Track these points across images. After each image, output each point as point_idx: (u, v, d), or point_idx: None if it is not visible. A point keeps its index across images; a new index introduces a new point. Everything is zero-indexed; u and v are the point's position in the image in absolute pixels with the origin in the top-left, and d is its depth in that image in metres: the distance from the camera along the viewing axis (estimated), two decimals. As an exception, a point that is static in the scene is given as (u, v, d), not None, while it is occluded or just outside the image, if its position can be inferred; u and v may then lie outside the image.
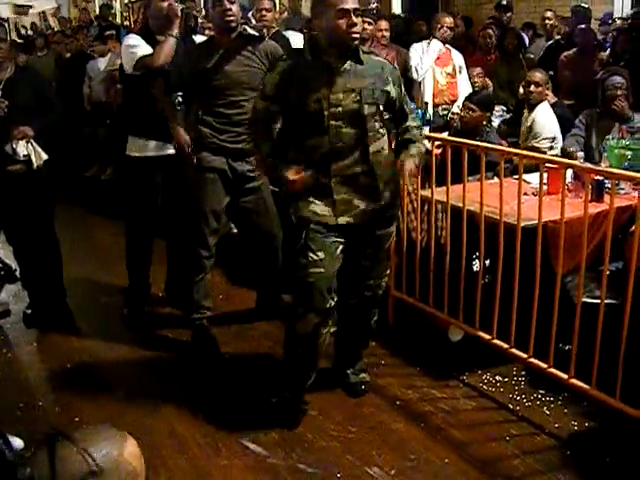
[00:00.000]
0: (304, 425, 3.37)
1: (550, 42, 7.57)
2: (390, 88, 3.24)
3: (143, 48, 4.08)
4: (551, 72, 6.59)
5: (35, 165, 4.20)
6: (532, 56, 7.35)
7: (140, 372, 3.97)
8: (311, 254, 3.15)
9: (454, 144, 3.88)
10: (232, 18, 3.72)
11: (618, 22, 7.93)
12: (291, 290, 3.28)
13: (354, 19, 3.03)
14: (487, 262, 4.00)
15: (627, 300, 3.04)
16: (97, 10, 13.78)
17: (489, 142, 4.28)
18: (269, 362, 3.91)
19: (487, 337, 3.73)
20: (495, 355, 3.75)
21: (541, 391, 3.59)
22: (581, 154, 4.50)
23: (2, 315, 4.74)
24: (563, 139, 4.96)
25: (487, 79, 6.53)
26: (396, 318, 4.34)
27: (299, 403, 3.42)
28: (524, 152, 3.87)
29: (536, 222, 3.38)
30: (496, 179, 3.84)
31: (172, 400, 3.62)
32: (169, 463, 3.08)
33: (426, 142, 4.30)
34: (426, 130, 5.54)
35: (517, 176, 3.51)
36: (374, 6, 9.12)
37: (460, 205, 3.74)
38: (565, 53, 6.77)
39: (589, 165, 4.00)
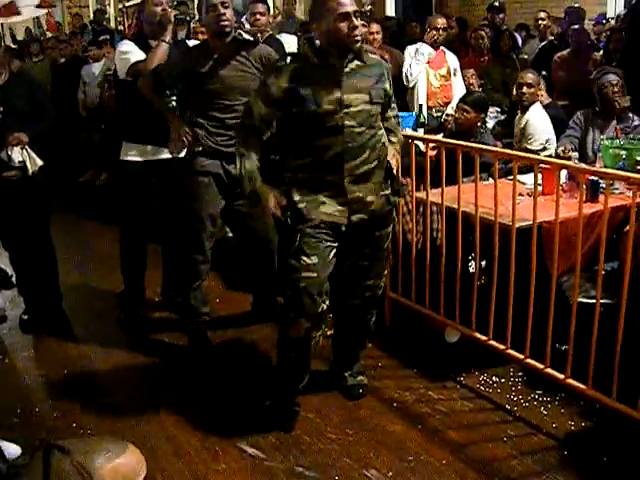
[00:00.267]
0: (301, 428, 3.37)
1: (544, 43, 7.59)
2: (387, 85, 3.28)
3: (136, 54, 4.09)
4: (544, 72, 6.62)
5: (30, 171, 4.19)
6: (526, 57, 7.37)
7: (137, 377, 3.96)
8: (304, 258, 3.14)
9: (448, 146, 3.89)
10: (226, 23, 3.72)
11: (612, 22, 7.97)
12: (283, 293, 3.27)
13: (355, 22, 3.04)
14: (483, 263, 4.01)
15: (622, 300, 3.05)
16: (91, 15, 13.78)
17: (484, 143, 4.29)
18: (265, 365, 3.91)
19: (483, 338, 3.73)
20: (492, 356, 3.75)
21: (538, 391, 3.59)
22: (575, 154, 4.51)
23: (-2, 321, 4.75)
24: (557, 140, 4.97)
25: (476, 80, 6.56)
26: (392, 320, 4.35)
27: (292, 406, 3.43)
28: (518, 153, 3.88)
29: (531, 223, 3.39)
30: (491, 180, 3.85)
31: (169, 404, 3.61)
32: (166, 467, 3.08)
33: (420, 144, 4.33)
34: (420, 132, 5.55)
35: (512, 177, 3.52)
36: (367, 8, 9.12)
37: (455, 206, 3.75)
38: (559, 54, 6.80)
39: (583, 165, 4.01)
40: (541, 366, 3.45)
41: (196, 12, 9.36)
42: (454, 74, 6.15)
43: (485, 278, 4.03)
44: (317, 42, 3.16)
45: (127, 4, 12.62)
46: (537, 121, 5.07)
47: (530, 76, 5.20)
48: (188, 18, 5.33)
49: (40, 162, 4.25)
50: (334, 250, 3.22)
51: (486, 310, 3.63)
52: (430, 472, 3.03)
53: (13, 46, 11.94)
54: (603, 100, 4.74)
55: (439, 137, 4.83)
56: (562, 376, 3.36)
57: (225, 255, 4.92)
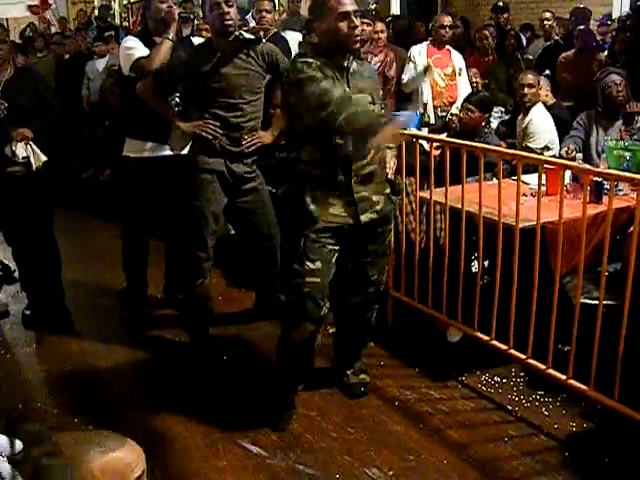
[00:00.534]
0: (303, 426, 3.37)
1: (548, 42, 7.58)
2: (379, 87, 3.31)
3: (140, 50, 4.09)
4: (548, 72, 6.61)
5: (34, 167, 4.20)
6: (531, 57, 7.35)
7: (138, 373, 3.97)
8: (308, 263, 3.15)
9: (453, 145, 3.89)
10: (230, 22, 3.71)
11: (616, 23, 7.96)
12: (286, 296, 3.28)
13: (355, 21, 3.04)
14: (486, 263, 4.01)
15: (625, 301, 3.04)
16: (96, 11, 13.76)
17: (488, 143, 4.29)
18: (268, 362, 3.90)
19: (486, 338, 3.73)
20: (494, 356, 3.75)
21: (540, 392, 3.59)
22: (580, 155, 4.51)
23: (1, 316, 4.75)
24: (561, 141, 4.97)
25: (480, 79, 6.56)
26: (395, 319, 4.34)
27: (289, 407, 3.42)
28: (522, 153, 3.87)
29: (535, 223, 3.38)
30: (495, 180, 3.84)
31: (170, 401, 3.62)
32: (167, 464, 3.08)
33: (425, 143, 4.33)
34: (424, 132, 5.55)
35: (516, 177, 3.51)
36: (372, 7, 9.11)
37: (459, 206, 3.74)
38: (564, 54, 6.78)
39: (587, 166, 4.00)
40: (543, 367, 3.45)
41: (199, 10, 9.35)
42: (459, 74, 6.13)
43: (488, 278, 4.03)
44: (316, 40, 3.16)
45: (132, 0, 12.61)
46: (540, 121, 5.07)
47: (530, 77, 5.20)
48: (192, 16, 5.30)
49: (44, 158, 4.25)
50: (336, 254, 3.23)
51: (488, 310, 3.63)
52: (431, 471, 3.03)
53: (18, 41, 11.93)
54: (606, 100, 4.74)
55: (443, 137, 4.83)
56: (564, 377, 3.35)
57: (227, 252, 4.92)
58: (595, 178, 3.70)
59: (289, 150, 3.33)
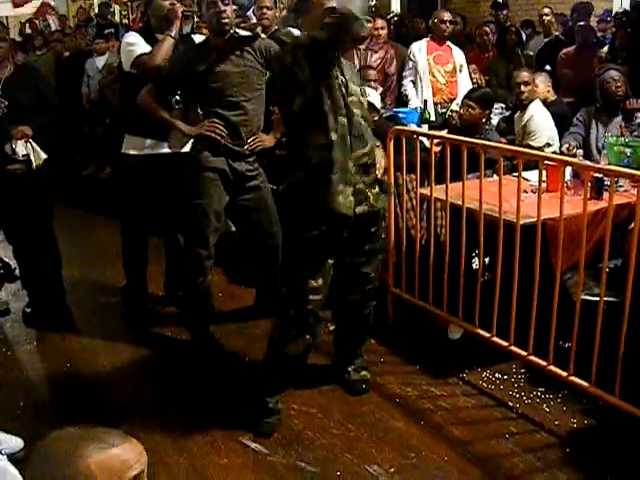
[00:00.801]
0: (304, 423, 3.37)
1: (549, 38, 7.57)
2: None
3: (141, 46, 4.08)
4: (549, 67, 6.60)
5: (34, 165, 4.19)
6: (531, 54, 7.35)
7: (139, 371, 3.97)
8: (312, 281, 3.14)
9: (453, 142, 3.88)
10: (226, 20, 3.71)
11: (613, 20, 7.94)
12: (285, 309, 3.23)
13: None
14: (486, 260, 4.00)
15: (626, 297, 3.04)
16: (96, 9, 13.76)
17: (489, 140, 4.28)
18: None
19: (486, 335, 3.73)
20: (495, 353, 3.75)
21: (540, 388, 3.59)
22: (580, 152, 4.50)
23: (1, 314, 4.75)
24: (561, 137, 4.96)
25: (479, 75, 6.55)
26: (395, 316, 4.34)
27: (274, 412, 3.37)
28: (523, 149, 3.87)
29: (535, 220, 3.38)
30: (495, 177, 3.84)
31: (171, 399, 3.62)
32: (168, 462, 3.08)
33: (425, 140, 4.33)
34: (425, 128, 5.55)
35: (516, 174, 3.51)
36: (372, 4, 9.10)
37: (459, 203, 3.74)
38: (564, 50, 6.77)
39: (588, 162, 4.00)
40: (544, 363, 3.45)
41: (196, 8, 9.34)
42: (460, 70, 6.13)
43: (489, 275, 4.03)
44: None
45: (132, -3, 12.62)
46: (539, 118, 5.06)
47: (525, 74, 5.20)
48: (191, 14, 5.30)
49: (44, 156, 4.24)
50: (333, 262, 3.21)
51: (489, 307, 3.63)
52: (432, 468, 3.03)
53: (19, 39, 11.92)
54: (605, 96, 4.73)
55: (443, 133, 4.82)
56: (565, 373, 3.35)
57: (228, 249, 4.92)
58: (596, 174, 3.70)
59: (290, 145, 3.31)
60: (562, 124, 5.07)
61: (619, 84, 4.69)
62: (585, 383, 3.26)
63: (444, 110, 5.98)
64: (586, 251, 3.24)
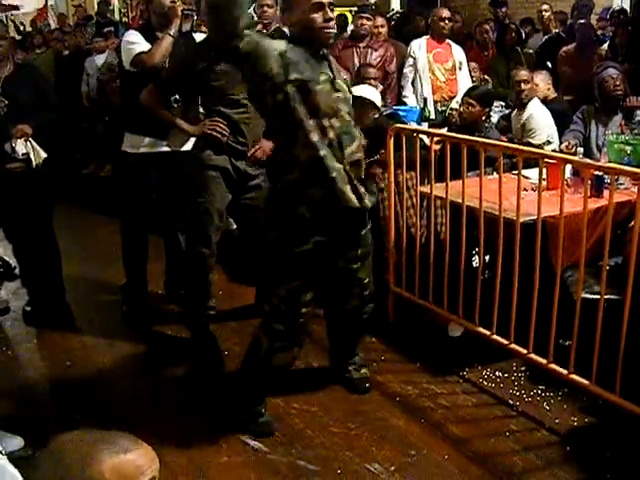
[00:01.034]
0: (304, 421, 3.37)
1: (549, 35, 7.56)
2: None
3: (142, 45, 4.08)
4: (549, 64, 6.60)
5: (34, 163, 4.19)
6: (531, 51, 7.34)
7: (139, 369, 3.97)
8: (305, 295, 3.11)
9: (453, 140, 3.88)
10: None
11: (610, 18, 7.95)
12: (272, 321, 3.19)
13: (329, 13, 2.93)
14: (487, 258, 4.00)
15: (627, 295, 3.04)
16: (95, 7, 13.75)
17: (489, 138, 4.28)
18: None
19: (487, 333, 3.72)
20: (495, 351, 3.75)
21: (541, 387, 3.59)
22: (580, 150, 4.50)
23: (1, 312, 4.74)
24: (562, 135, 4.96)
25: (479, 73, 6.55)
26: (396, 314, 4.34)
27: (261, 414, 3.34)
28: (523, 147, 3.86)
29: (535, 217, 3.38)
30: (495, 175, 3.84)
31: (171, 397, 3.62)
32: (168, 461, 3.07)
33: (425, 138, 4.32)
34: (424, 126, 5.54)
35: (516, 172, 3.51)
36: (372, 2, 9.10)
37: (459, 201, 3.74)
38: (564, 48, 6.77)
39: (588, 160, 3.99)
40: (544, 361, 3.45)
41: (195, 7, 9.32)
42: (460, 68, 6.12)
43: (489, 273, 4.02)
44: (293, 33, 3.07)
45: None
46: (538, 115, 5.06)
47: (524, 72, 5.21)
48: (191, 12, 5.30)
49: (44, 154, 4.24)
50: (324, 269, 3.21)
51: (490, 305, 3.63)
52: (432, 466, 3.03)
53: (18, 37, 11.91)
54: (603, 95, 4.71)
55: (443, 131, 4.82)
56: (565, 371, 3.35)
57: (229, 248, 4.91)
58: (596, 172, 3.69)
59: (275, 143, 3.22)
60: (562, 122, 5.06)
61: (617, 82, 4.67)
62: (585, 381, 3.26)
63: (444, 108, 5.96)
64: (586, 249, 3.24)
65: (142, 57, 4.03)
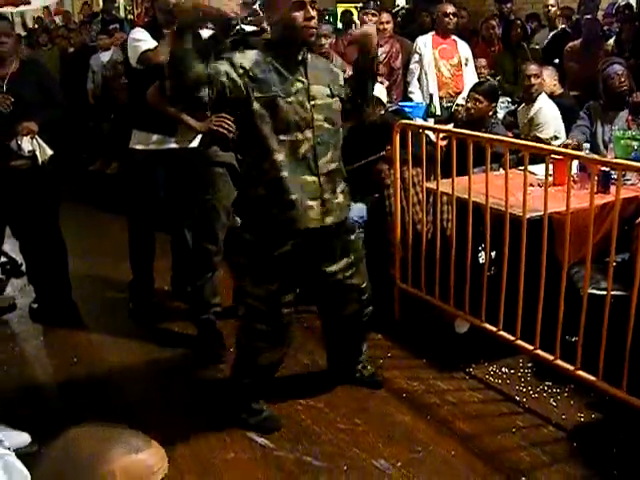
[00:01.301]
0: (310, 418, 3.37)
1: (555, 31, 7.54)
2: (342, 81, 3.21)
3: (148, 42, 4.09)
4: (557, 61, 6.58)
5: (40, 161, 4.20)
6: (537, 47, 7.33)
7: (146, 366, 3.97)
8: (287, 296, 3.11)
9: (459, 136, 3.87)
10: (232, 15, 3.70)
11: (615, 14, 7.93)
12: (256, 322, 3.17)
13: (311, 12, 2.89)
14: (493, 254, 4.00)
15: (634, 291, 3.03)
16: (100, 4, 13.76)
17: (495, 134, 4.27)
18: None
19: (493, 329, 3.72)
20: (501, 347, 3.74)
21: (547, 383, 3.59)
22: (587, 145, 4.49)
23: (8, 309, 4.75)
24: (568, 130, 4.95)
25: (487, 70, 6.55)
26: (402, 310, 4.34)
27: (261, 411, 3.35)
28: (529, 143, 3.85)
29: (542, 213, 3.37)
30: (501, 171, 3.83)
31: (178, 394, 3.63)
32: (175, 457, 3.08)
33: (431, 134, 4.31)
34: (430, 122, 5.53)
35: (522, 167, 3.50)
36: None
37: (465, 197, 3.73)
38: (570, 44, 6.75)
39: (595, 156, 3.98)
40: (551, 357, 3.44)
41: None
42: (466, 64, 6.11)
43: (495, 269, 4.02)
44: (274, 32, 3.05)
45: (137, -7, 12.61)
46: (547, 110, 5.06)
47: (534, 67, 5.19)
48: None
49: (50, 152, 4.25)
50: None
51: (496, 301, 3.62)
52: (438, 463, 3.03)
53: (24, 34, 11.93)
54: (609, 91, 4.70)
55: (449, 127, 4.81)
56: (572, 368, 3.35)
57: (234, 244, 4.90)
58: (603, 168, 3.68)
59: (244, 163, 3.18)
60: (570, 117, 5.05)
61: (623, 79, 4.66)
62: (592, 377, 3.26)
63: (449, 104, 5.96)
64: (593, 245, 3.23)
65: (149, 54, 4.03)
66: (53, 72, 6.97)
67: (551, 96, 5.28)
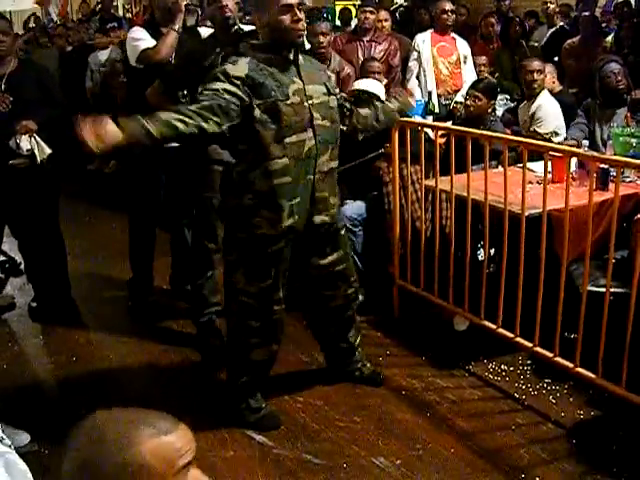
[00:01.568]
0: (309, 415, 3.37)
1: (554, 28, 7.54)
2: (332, 79, 3.24)
3: (147, 41, 4.09)
4: (556, 58, 6.57)
5: (39, 159, 4.19)
6: (536, 44, 7.32)
7: (145, 364, 3.97)
8: (277, 293, 3.14)
9: (458, 133, 3.87)
10: (229, 14, 3.70)
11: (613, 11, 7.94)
12: (249, 319, 3.18)
13: (298, 14, 2.92)
14: (492, 251, 4.00)
15: (632, 288, 3.03)
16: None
17: (494, 131, 4.26)
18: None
19: (492, 326, 3.72)
20: (500, 344, 3.75)
21: (547, 380, 3.59)
22: (586, 142, 4.48)
23: (7, 308, 4.75)
24: (568, 127, 4.94)
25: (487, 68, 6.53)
26: (401, 308, 4.34)
27: (260, 408, 3.35)
28: (528, 140, 3.85)
29: (541, 211, 3.37)
30: (500, 168, 3.83)
31: (177, 392, 3.62)
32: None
33: (430, 131, 4.31)
34: (429, 120, 5.52)
35: (521, 165, 3.50)
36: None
37: (464, 194, 3.73)
38: (568, 41, 6.74)
39: (594, 153, 3.98)
40: (550, 355, 3.44)
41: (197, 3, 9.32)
42: (464, 61, 6.09)
43: (494, 266, 4.02)
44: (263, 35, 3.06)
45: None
46: (548, 106, 5.04)
47: (536, 63, 5.17)
48: (194, 7, 5.30)
49: (49, 150, 4.24)
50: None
51: (495, 298, 3.62)
52: (438, 460, 3.03)
53: (22, 32, 11.92)
54: (605, 90, 4.69)
55: (448, 124, 4.81)
56: (571, 365, 3.35)
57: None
58: (601, 165, 3.68)
59: (233, 169, 3.17)
60: (569, 114, 5.04)
61: (619, 77, 4.64)
62: (591, 374, 3.26)
63: (447, 102, 5.95)
64: (592, 242, 3.23)
65: (148, 53, 4.03)
66: (52, 71, 6.97)
67: (550, 93, 5.26)
